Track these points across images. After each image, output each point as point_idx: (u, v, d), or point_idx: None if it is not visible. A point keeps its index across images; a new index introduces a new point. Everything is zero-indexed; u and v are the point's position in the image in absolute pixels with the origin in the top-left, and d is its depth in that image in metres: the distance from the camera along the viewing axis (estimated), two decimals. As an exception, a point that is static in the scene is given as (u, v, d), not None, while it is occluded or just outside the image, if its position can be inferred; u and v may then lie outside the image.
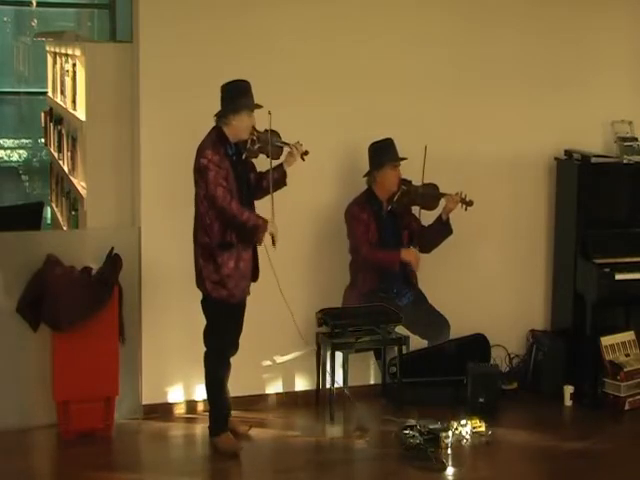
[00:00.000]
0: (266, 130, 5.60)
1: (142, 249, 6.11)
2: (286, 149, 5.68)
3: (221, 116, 5.49)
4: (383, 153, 6.31)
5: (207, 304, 5.61)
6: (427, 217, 6.46)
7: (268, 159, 5.65)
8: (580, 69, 7.00)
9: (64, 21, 11.70)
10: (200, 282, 5.56)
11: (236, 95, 5.45)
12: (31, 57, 11.75)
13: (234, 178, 5.46)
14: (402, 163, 6.34)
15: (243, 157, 5.58)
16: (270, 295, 5.88)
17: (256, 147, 5.60)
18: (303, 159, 5.72)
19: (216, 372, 5.64)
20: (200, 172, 5.42)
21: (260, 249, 5.65)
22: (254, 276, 5.67)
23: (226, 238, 5.44)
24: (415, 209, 6.46)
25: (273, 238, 5.54)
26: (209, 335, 5.63)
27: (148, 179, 6.12)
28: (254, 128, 5.57)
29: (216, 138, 5.48)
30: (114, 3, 9.50)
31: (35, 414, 5.94)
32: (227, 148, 5.49)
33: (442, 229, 6.41)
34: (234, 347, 5.72)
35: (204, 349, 5.65)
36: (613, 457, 5.78)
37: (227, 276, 5.46)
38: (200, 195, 5.46)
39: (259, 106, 5.49)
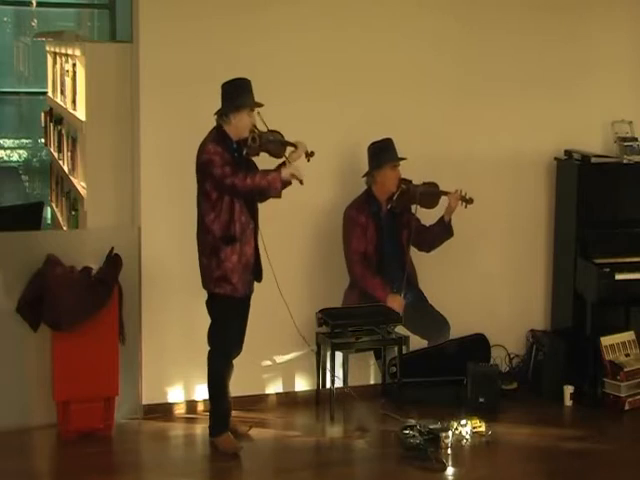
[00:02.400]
0: (269, 130, 5.61)
1: (142, 249, 6.11)
2: (290, 148, 5.68)
3: (221, 115, 5.49)
4: (382, 153, 6.30)
5: (212, 302, 5.61)
6: (426, 218, 6.46)
7: (270, 160, 5.65)
8: (580, 69, 7.00)
9: (64, 21, 11.68)
10: (204, 281, 5.56)
11: (236, 94, 5.46)
12: (31, 57, 11.73)
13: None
14: (402, 163, 6.34)
15: (244, 153, 5.59)
16: (270, 295, 5.89)
17: (257, 144, 5.59)
18: (308, 159, 5.70)
19: (219, 372, 5.63)
20: (203, 166, 5.41)
21: (263, 248, 5.65)
22: (258, 276, 5.67)
23: (229, 232, 5.44)
24: (414, 208, 6.45)
25: (297, 178, 5.48)
26: (214, 334, 5.63)
27: (148, 179, 6.12)
28: (255, 127, 5.57)
29: (217, 136, 5.48)
30: (114, 3, 9.51)
31: (35, 414, 5.94)
32: (229, 145, 5.49)
33: (443, 231, 6.41)
34: (238, 347, 5.72)
35: (207, 348, 5.64)
36: (613, 457, 5.78)
37: (230, 270, 5.45)
38: (204, 190, 5.44)
39: (259, 104, 5.50)
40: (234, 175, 5.35)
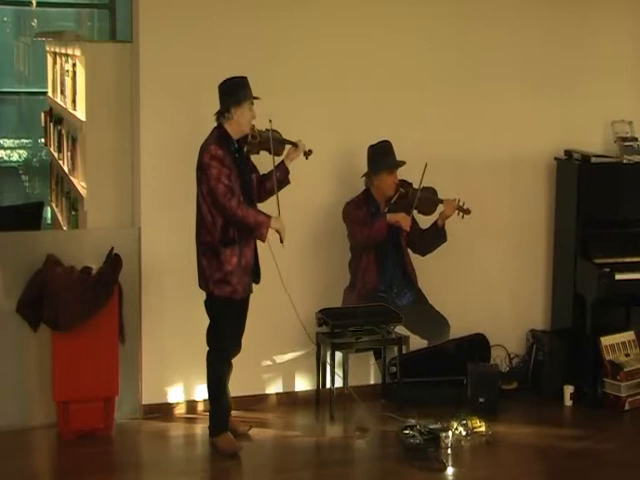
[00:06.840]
0: (267, 129, 5.62)
1: (142, 249, 6.11)
2: (288, 146, 5.69)
3: (222, 112, 5.49)
4: (380, 158, 6.28)
5: (210, 303, 5.61)
6: (421, 222, 6.45)
7: (269, 160, 5.66)
8: (580, 69, 7.00)
9: (64, 21, 11.68)
10: (203, 282, 5.56)
11: (236, 89, 5.47)
12: (31, 57, 11.73)
13: (237, 175, 5.46)
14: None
15: (244, 151, 5.59)
16: (270, 295, 5.89)
17: (257, 141, 5.60)
18: (306, 157, 5.74)
19: (218, 372, 5.63)
20: (203, 168, 5.42)
21: (263, 248, 5.64)
22: (256, 277, 5.67)
23: (228, 234, 5.44)
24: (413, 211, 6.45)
25: (280, 235, 5.53)
26: (212, 334, 5.63)
27: (148, 179, 6.12)
28: (254, 127, 5.58)
29: (219, 136, 5.48)
30: (114, 3, 9.51)
31: (35, 414, 5.94)
32: (230, 145, 5.49)
33: (437, 235, 6.39)
34: (237, 347, 5.72)
35: (207, 349, 5.64)
36: (613, 457, 5.78)
37: (230, 272, 5.46)
38: (203, 192, 5.45)
39: (257, 98, 5.51)
40: (226, 196, 5.37)
